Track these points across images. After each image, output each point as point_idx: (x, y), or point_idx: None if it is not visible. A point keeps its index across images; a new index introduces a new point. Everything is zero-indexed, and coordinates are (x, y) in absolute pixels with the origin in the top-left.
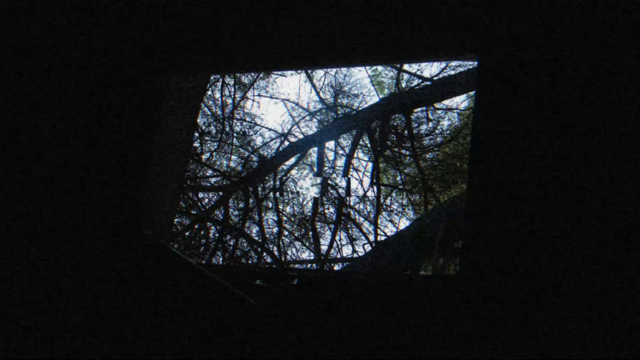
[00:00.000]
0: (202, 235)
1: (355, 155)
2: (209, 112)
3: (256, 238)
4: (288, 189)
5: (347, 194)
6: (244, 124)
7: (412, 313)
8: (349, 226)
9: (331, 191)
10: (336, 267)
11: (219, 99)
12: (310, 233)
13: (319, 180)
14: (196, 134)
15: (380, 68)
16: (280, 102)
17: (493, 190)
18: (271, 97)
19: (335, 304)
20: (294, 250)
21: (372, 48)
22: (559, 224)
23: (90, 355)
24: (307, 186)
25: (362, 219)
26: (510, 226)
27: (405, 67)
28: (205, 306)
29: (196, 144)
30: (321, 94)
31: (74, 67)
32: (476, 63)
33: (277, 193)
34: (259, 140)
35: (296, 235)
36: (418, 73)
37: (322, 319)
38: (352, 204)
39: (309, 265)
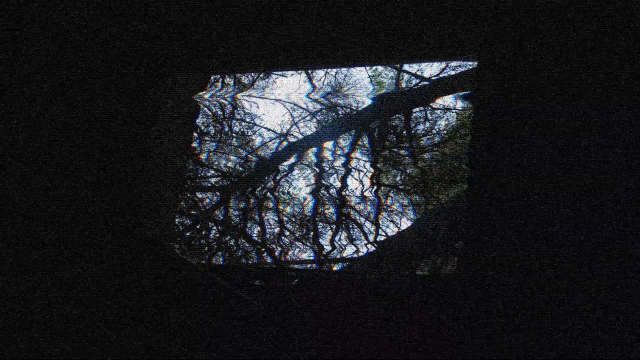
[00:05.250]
0: (202, 235)
1: (354, 156)
2: (208, 112)
3: (256, 238)
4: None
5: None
6: (243, 124)
7: (412, 313)
8: (349, 226)
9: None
10: (336, 267)
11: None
12: (311, 233)
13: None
14: (196, 134)
15: (380, 68)
16: (280, 102)
17: (493, 190)
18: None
19: (335, 304)
20: (294, 250)
21: (372, 48)
22: (559, 223)
23: (90, 355)
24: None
25: (362, 219)
26: (509, 226)
27: (405, 67)
28: (206, 306)
29: (196, 144)
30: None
31: (74, 67)
32: (476, 63)
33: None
34: (258, 140)
35: (296, 235)
36: (418, 73)
37: (322, 319)
38: (352, 204)
39: (309, 265)
